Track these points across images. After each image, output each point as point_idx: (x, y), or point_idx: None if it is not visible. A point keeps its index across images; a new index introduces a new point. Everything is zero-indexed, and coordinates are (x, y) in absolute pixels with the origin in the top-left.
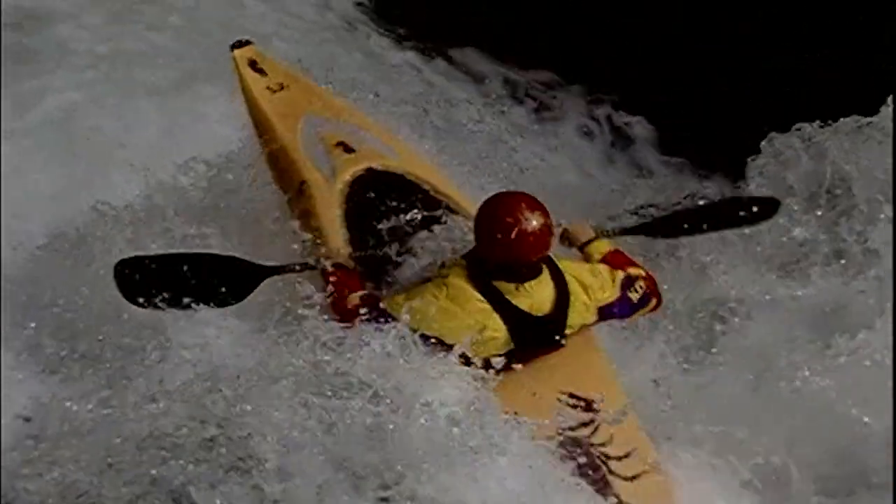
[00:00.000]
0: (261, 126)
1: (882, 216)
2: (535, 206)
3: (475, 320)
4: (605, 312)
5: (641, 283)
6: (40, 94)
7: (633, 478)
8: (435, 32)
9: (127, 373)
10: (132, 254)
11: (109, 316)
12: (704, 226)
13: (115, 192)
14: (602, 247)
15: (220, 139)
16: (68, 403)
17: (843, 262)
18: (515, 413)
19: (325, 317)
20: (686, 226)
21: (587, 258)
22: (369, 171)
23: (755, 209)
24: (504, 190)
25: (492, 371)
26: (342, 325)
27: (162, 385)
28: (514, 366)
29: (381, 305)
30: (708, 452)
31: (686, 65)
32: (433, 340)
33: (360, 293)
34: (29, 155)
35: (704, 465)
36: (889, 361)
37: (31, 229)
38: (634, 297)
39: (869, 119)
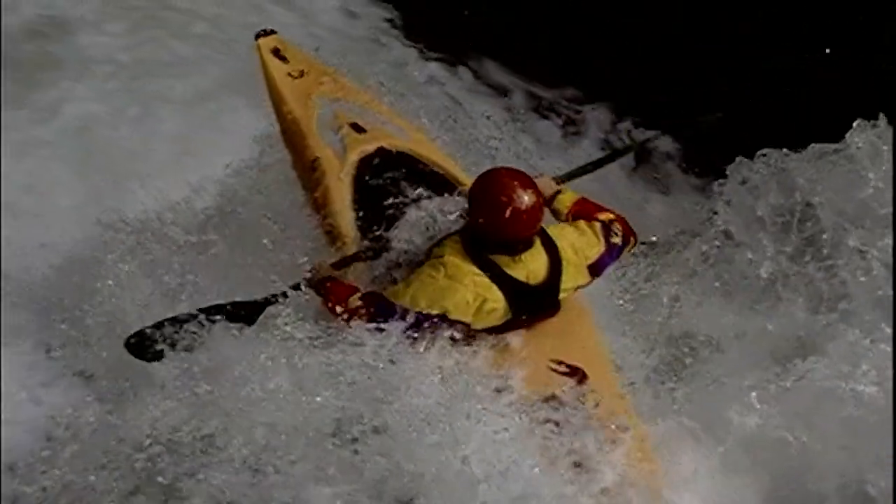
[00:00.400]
0: (280, 110)
1: (850, 244)
2: (527, 183)
3: (476, 294)
4: (597, 268)
5: (617, 226)
6: (61, 103)
7: (615, 442)
8: (461, 46)
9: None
10: (147, 268)
11: (116, 327)
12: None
13: (133, 204)
14: (567, 199)
15: (240, 150)
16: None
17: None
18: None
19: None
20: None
21: (556, 214)
22: (379, 150)
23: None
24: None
25: (485, 343)
26: (344, 321)
27: (163, 390)
28: (508, 336)
29: (383, 297)
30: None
31: (685, 65)
32: (436, 319)
33: (359, 294)
34: (47, 165)
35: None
36: (841, 387)
37: (47, 240)
38: (617, 241)
39: (834, 146)
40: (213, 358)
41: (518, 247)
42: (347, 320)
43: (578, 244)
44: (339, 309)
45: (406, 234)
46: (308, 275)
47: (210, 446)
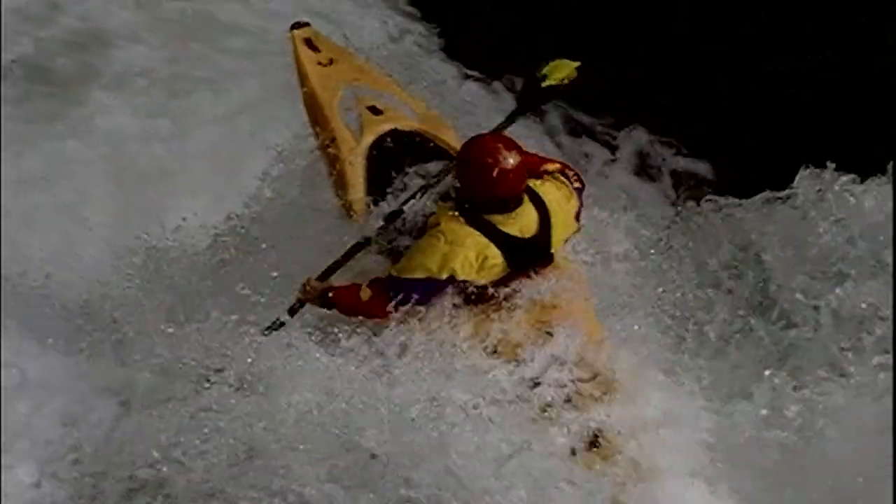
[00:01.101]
0: (307, 95)
1: (798, 296)
2: (510, 144)
3: (477, 252)
4: (577, 215)
5: (569, 172)
6: (97, 117)
7: (598, 398)
8: (500, 66)
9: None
10: (175, 284)
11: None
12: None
13: (168, 219)
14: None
15: (274, 165)
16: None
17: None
18: (496, 344)
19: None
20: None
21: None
22: (392, 131)
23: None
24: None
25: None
26: (376, 322)
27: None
28: (504, 293)
29: (390, 277)
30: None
31: (687, 66)
32: (445, 284)
33: (365, 285)
34: (82, 181)
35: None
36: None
37: (83, 256)
38: (578, 185)
39: (779, 194)
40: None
41: (509, 204)
42: (369, 315)
43: (560, 197)
44: (355, 308)
45: (408, 209)
46: (301, 295)
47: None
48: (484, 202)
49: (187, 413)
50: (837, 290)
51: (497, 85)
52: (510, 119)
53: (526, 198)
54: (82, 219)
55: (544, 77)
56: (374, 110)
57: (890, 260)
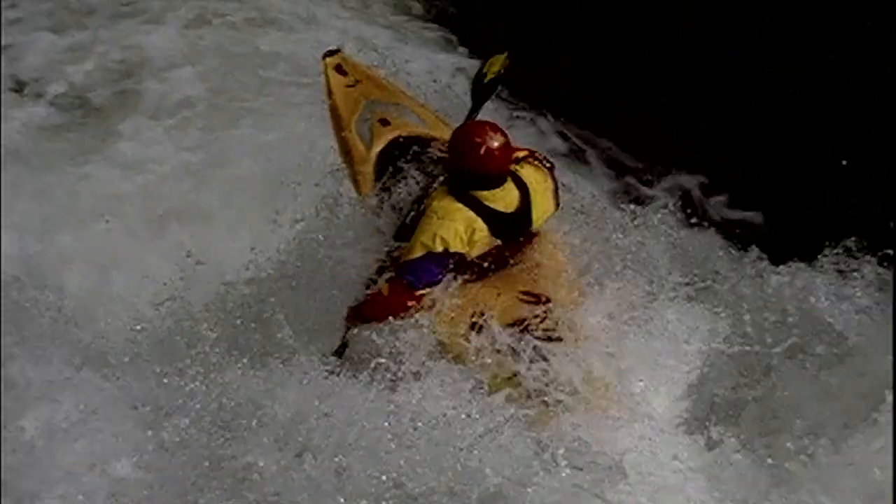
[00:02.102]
0: (334, 115)
1: None
2: (496, 128)
3: (465, 225)
4: (556, 195)
5: (538, 155)
6: (137, 151)
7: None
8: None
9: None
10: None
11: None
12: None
13: (208, 254)
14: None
15: (310, 200)
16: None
17: None
18: (482, 312)
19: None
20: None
21: None
22: (397, 138)
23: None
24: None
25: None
26: (408, 313)
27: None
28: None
29: (401, 263)
30: None
31: (692, 69)
32: (446, 259)
33: (381, 285)
34: (122, 217)
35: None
36: None
37: (125, 295)
38: (548, 165)
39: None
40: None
41: (494, 181)
42: (397, 308)
43: (539, 177)
44: (384, 308)
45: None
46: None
47: None
48: (472, 178)
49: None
50: None
51: (543, 123)
52: (468, 117)
53: (509, 179)
54: (118, 252)
55: (485, 74)
56: (384, 122)
57: None
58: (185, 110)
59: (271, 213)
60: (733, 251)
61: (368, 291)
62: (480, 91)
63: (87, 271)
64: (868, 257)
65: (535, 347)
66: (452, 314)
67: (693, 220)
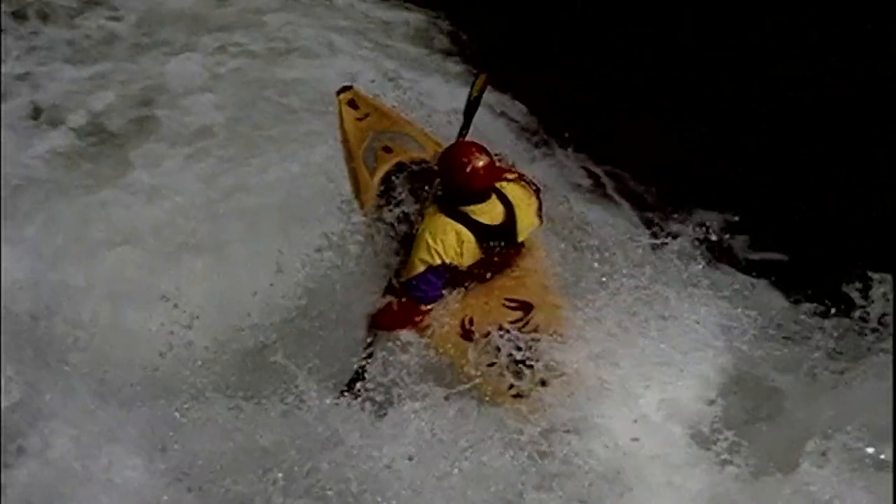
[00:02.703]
0: (345, 147)
1: None
2: (481, 149)
3: (456, 238)
4: (540, 211)
5: (526, 178)
6: (157, 176)
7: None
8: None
9: None
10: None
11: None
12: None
13: (229, 287)
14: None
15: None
16: None
17: None
18: (472, 318)
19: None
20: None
21: None
22: (398, 164)
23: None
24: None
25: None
26: (419, 325)
27: None
28: (479, 280)
29: (403, 282)
30: None
31: (693, 72)
32: (443, 271)
33: (386, 303)
34: (140, 254)
35: None
36: None
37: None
38: (534, 187)
39: None
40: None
41: (480, 196)
42: (407, 320)
43: (522, 194)
44: (395, 319)
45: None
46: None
47: None
48: (460, 194)
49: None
50: None
51: (563, 157)
52: (459, 134)
53: (494, 195)
54: (131, 283)
55: (471, 94)
56: (387, 149)
57: None
58: (203, 139)
59: (284, 248)
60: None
61: (383, 300)
62: (469, 109)
63: (100, 302)
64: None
65: (519, 349)
66: (445, 325)
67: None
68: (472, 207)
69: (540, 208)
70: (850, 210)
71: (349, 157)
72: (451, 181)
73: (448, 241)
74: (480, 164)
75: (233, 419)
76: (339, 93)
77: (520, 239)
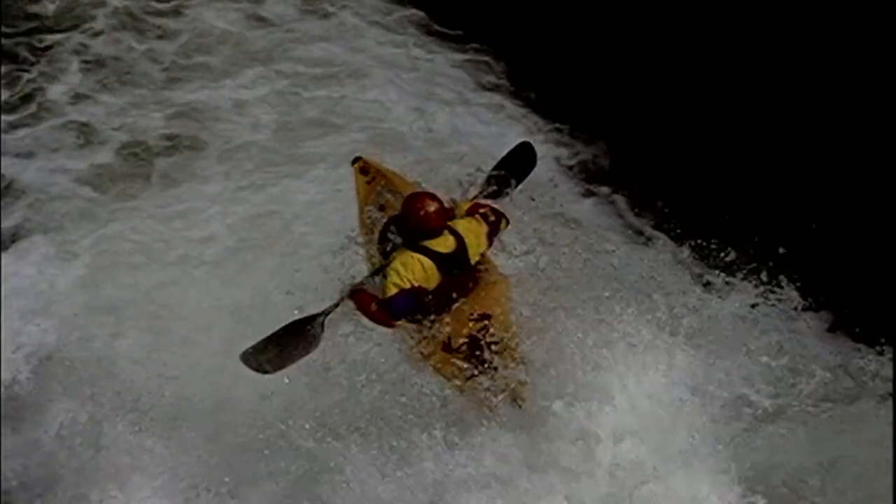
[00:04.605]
0: (358, 205)
1: None
2: (433, 196)
3: (420, 266)
4: (489, 238)
5: (488, 210)
6: (190, 204)
7: (501, 352)
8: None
9: None
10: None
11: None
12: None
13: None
14: (465, 204)
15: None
16: None
17: None
18: (450, 336)
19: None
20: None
21: (460, 213)
22: (392, 217)
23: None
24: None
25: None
26: (385, 327)
27: None
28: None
29: (382, 299)
30: None
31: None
32: (413, 293)
33: (375, 303)
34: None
35: None
36: None
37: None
38: (492, 219)
39: None
40: None
41: (435, 232)
42: (377, 322)
43: (470, 227)
44: (366, 312)
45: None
46: (345, 291)
47: None
48: (419, 232)
49: None
50: None
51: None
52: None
53: (447, 231)
54: (168, 311)
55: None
56: (382, 208)
57: None
58: (240, 162)
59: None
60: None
61: (367, 286)
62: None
63: (136, 331)
64: None
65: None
66: (428, 342)
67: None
68: (429, 242)
69: (489, 234)
70: None
71: (360, 210)
72: (411, 224)
73: (415, 269)
74: (432, 209)
75: None
76: (353, 163)
77: (472, 261)
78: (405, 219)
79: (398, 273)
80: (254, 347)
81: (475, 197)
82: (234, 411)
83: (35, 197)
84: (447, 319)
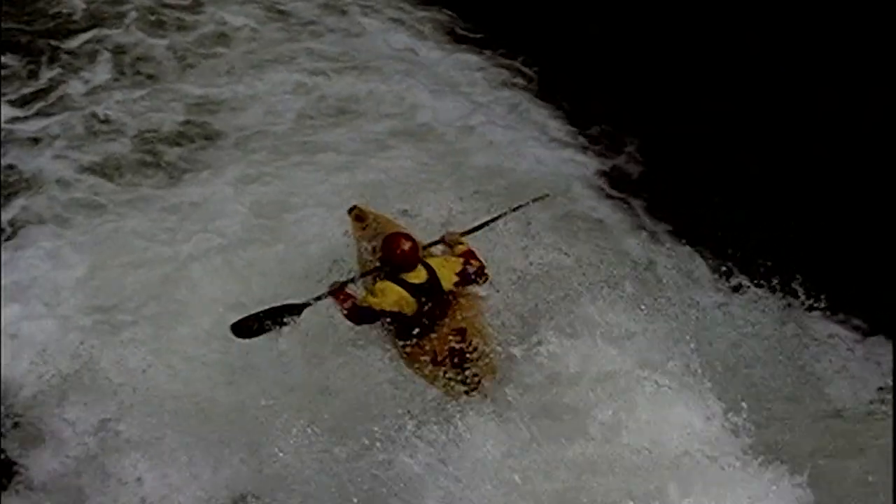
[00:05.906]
0: (356, 247)
1: None
2: (408, 237)
3: (397, 295)
4: (461, 280)
5: (473, 264)
6: (200, 198)
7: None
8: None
9: None
10: None
11: None
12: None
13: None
14: (461, 248)
15: None
16: None
17: None
18: (436, 351)
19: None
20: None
21: (454, 253)
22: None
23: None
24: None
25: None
26: (356, 325)
27: None
28: (433, 324)
29: (360, 306)
30: None
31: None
32: (387, 317)
33: (351, 302)
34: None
35: None
36: None
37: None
38: (470, 270)
39: None
40: None
41: (410, 267)
42: (347, 317)
43: (440, 263)
44: (341, 308)
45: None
46: (328, 289)
47: None
48: (396, 266)
49: None
50: None
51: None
52: (495, 219)
53: (420, 265)
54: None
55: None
56: (374, 250)
57: None
58: (255, 153)
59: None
60: None
61: (350, 288)
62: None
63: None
64: None
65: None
66: (426, 363)
67: None
68: (404, 275)
69: (463, 279)
70: None
71: (357, 251)
72: (389, 260)
73: (391, 298)
74: (406, 247)
75: None
76: (349, 211)
77: (446, 289)
78: (384, 255)
79: (376, 296)
80: (244, 318)
81: (466, 233)
82: (244, 409)
83: (44, 186)
84: (434, 336)
